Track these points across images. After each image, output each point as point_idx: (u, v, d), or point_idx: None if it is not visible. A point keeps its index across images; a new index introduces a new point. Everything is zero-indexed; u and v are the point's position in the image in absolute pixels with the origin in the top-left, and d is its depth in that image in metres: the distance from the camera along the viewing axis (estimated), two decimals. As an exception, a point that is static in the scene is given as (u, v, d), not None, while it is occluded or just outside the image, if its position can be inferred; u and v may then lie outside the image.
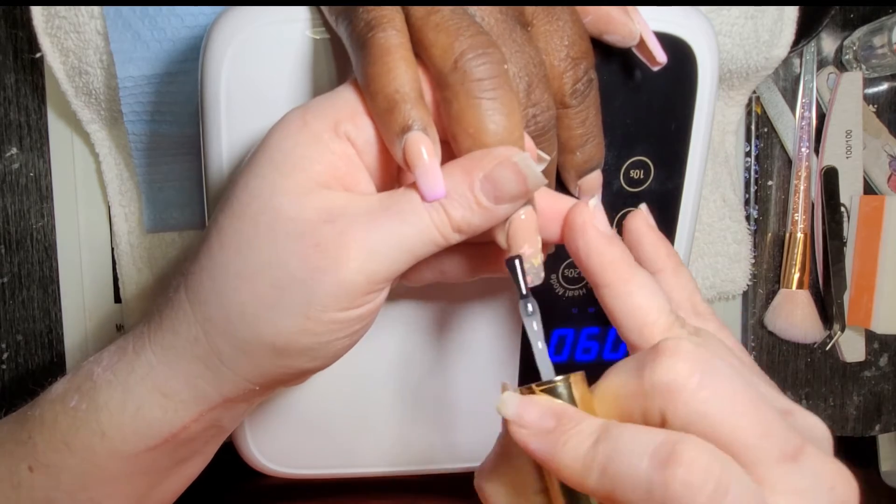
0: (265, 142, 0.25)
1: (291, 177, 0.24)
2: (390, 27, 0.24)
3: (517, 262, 0.25)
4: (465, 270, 0.30)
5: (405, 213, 0.24)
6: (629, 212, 0.29)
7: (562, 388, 0.23)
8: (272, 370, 0.27)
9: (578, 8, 0.28)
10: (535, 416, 0.22)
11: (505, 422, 0.23)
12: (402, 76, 0.24)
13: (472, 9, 0.25)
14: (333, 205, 0.24)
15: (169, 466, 0.30)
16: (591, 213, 0.25)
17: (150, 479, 0.29)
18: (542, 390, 0.23)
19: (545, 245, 0.29)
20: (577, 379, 0.23)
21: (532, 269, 0.25)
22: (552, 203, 0.27)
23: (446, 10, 0.24)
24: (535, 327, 0.25)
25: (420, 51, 0.25)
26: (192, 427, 0.28)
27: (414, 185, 0.24)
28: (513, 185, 0.23)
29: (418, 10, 0.24)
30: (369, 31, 0.24)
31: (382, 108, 0.24)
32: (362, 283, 0.24)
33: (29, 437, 0.29)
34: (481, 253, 0.29)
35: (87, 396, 0.28)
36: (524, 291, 0.25)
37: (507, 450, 0.25)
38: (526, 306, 0.25)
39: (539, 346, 0.25)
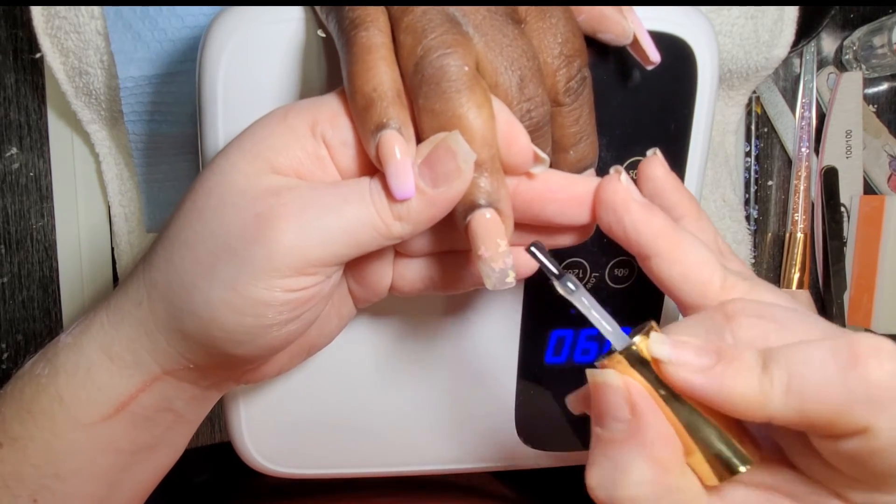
0: (244, 130, 0.26)
1: (253, 162, 0.25)
2: (373, 26, 0.24)
3: (535, 249, 0.25)
4: (453, 280, 0.30)
5: (348, 193, 0.24)
6: (639, 160, 0.29)
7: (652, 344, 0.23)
8: (200, 349, 0.27)
9: (572, 7, 0.28)
10: (691, 355, 0.22)
11: (603, 390, 0.23)
12: (381, 75, 0.24)
13: (453, 8, 0.25)
14: (283, 184, 0.25)
15: (132, 449, 0.30)
16: (626, 188, 0.25)
17: (113, 460, 0.29)
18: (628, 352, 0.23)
19: (551, 232, 0.29)
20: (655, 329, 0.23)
21: (493, 272, 0.24)
22: (569, 187, 0.26)
23: (419, 10, 0.24)
24: (584, 302, 0.24)
25: (395, 52, 0.25)
26: (142, 399, 0.28)
27: (380, 177, 0.24)
28: (444, 162, 0.23)
29: (395, 11, 0.25)
30: (353, 29, 0.24)
31: (360, 106, 0.24)
32: (294, 257, 0.24)
33: None
34: (467, 262, 0.29)
35: (50, 362, 0.29)
36: (556, 272, 0.25)
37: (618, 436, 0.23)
38: (566, 285, 0.24)
39: (596, 316, 0.24)
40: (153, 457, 0.31)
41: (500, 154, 0.25)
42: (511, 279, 0.25)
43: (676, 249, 0.25)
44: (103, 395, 0.28)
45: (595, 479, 0.23)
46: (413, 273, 0.30)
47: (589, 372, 0.24)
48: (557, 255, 0.35)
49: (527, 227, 0.27)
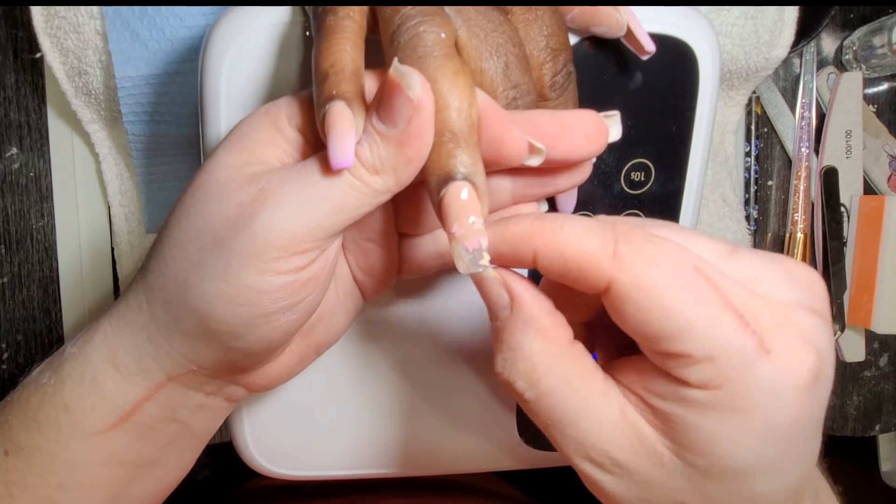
0: (231, 129, 0.26)
1: (237, 155, 0.25)
2: (342, 11, 0.24)
3: None
4: None
5: (320, 162, 0.24)
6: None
7: None
8: (202, 347, 0.27)
9: (562, 6, 0.28)
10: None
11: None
12: (340, 53, 0.24)
13: None
14: (262, 170, 0.25)
15: (136, 463, 0.30)
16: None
17: (117, 473, 0.29)
18: None
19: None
20: None
21: (465, 253, 0.23)
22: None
23: None
24: None
25: (376, 28, 0.25)
26: (147, 409, 0.28)
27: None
28: (395, 98, 0.22)
29: None
30: (324, 15, 0.25)
31: (317, 83, 0.24)
32: (277, 235, 0.24)
33: (6, 420, 0.29)
34: None
35: (56, 372, 0.29)
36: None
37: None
38: None
39: None
40: (157, 472, 0.31)
41: (480, 130, 0.24)
42: (485, 262, 0.23)
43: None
44: (109, 403, 0.28)
45: (499, 365, 0.24)
46: (421, 252, 0.30)
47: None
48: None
49: (518, 171, 0.27)
